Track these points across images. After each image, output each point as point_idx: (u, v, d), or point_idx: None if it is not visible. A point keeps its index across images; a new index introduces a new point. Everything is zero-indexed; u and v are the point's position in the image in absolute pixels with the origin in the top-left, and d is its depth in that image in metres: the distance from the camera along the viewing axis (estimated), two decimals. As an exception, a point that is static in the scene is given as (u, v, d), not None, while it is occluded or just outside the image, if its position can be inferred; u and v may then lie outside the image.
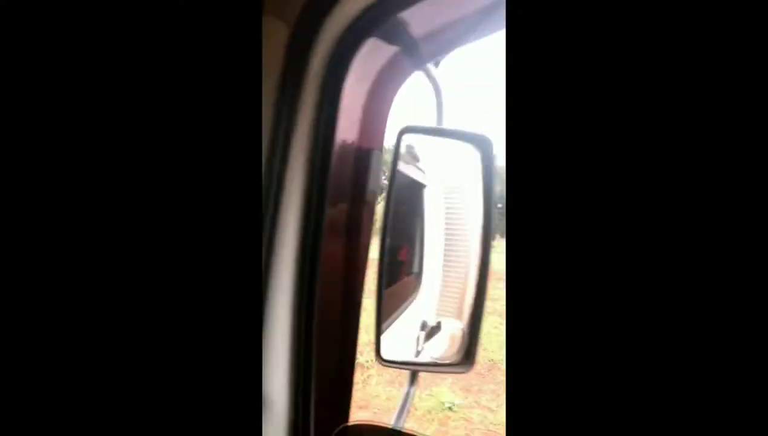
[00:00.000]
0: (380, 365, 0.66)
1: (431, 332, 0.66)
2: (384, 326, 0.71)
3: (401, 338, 0.71)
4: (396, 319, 0.75)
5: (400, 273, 0.77)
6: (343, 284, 0.55)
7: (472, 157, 0.65)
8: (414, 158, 0.72)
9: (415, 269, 0.78)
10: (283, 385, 0.49)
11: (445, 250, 0.75)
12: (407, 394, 0.66)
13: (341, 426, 0.56)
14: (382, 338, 0.67)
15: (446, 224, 0.74)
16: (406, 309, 0.77)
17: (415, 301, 0.78)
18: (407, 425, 0.66)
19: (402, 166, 0.70)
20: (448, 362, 0.65)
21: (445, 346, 0.67)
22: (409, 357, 0.67)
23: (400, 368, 0.65)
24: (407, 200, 0.76)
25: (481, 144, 0.64)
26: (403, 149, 0.66)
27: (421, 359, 0.66)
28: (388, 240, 0.58)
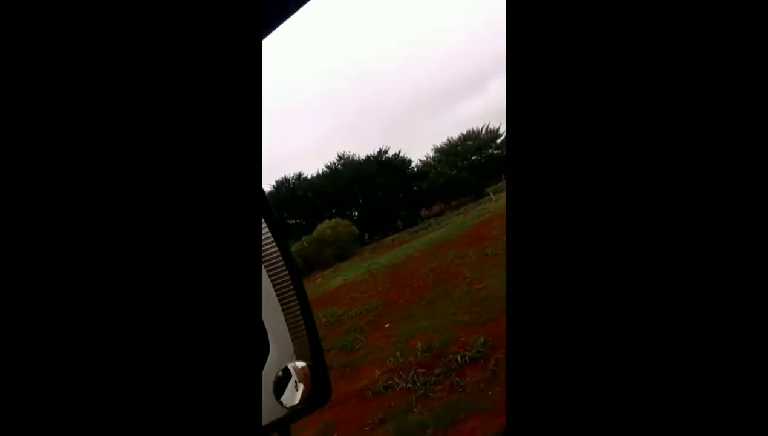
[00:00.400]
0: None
1: (279, 383, 0.67)
2: None
3: (264, 403, 0.70)
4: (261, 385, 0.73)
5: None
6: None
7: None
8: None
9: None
10: None
11: (279, 301, 0.77)
12: (284, 454, 0.64)
13: None
14: None
15: (270, 278, 0.77)
16: (266, 370, 0.76)
17: (270, 359, 0.78)
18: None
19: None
20: (305, 403, 0.65)
21: (300, 389, 0.67)
22: (271, 418, 0.66)
23: (268, 434, 0.64)
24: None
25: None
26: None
27: (281, 413, 0.66)
28: None
